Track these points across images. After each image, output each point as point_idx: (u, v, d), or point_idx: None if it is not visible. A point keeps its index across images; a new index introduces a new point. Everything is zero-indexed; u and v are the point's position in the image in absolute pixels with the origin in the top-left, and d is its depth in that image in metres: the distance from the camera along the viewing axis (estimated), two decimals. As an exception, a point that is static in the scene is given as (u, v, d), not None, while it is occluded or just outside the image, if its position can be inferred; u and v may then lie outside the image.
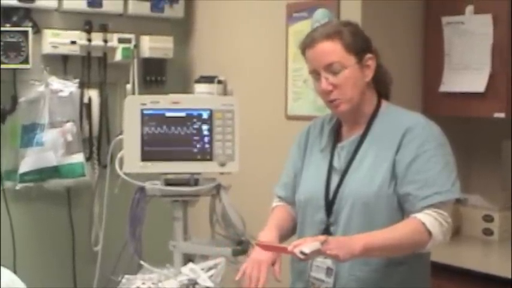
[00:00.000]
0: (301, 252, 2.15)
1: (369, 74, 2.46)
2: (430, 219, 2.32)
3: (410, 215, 2.36)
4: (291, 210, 2.65)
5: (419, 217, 2.33)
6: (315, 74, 2.45)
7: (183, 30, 4.68)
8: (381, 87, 2.54)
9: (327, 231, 2.43)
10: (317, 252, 2.18)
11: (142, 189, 2.84)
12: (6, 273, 2.47)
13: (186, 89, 4.41)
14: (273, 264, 2.39)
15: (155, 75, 4.55)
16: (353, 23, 2.51)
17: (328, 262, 2.42)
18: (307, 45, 2.47)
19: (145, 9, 4.45)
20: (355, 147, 2.48)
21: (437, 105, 3.76)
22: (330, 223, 2.45)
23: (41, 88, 4.10)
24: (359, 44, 2.44)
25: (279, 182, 2.70)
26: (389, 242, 2.29)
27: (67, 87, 4.15)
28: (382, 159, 2.41)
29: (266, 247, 2.30)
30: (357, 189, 2.41)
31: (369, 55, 2.46)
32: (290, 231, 2.62)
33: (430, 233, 2.31)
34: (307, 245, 2.16)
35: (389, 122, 2.47)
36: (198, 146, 2.80)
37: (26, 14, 4.15)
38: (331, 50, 2.41)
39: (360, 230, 2.34)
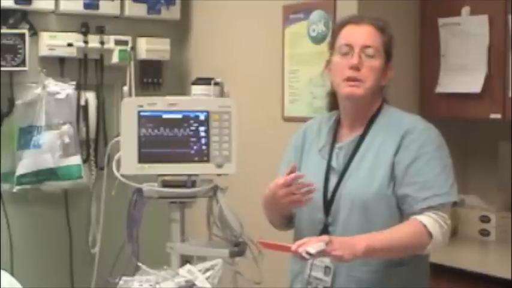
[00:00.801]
0: (307, 253, 2.15)
1: (385, 80, 2.50)
2: (430, 221, 2.33)
3: (409, 216, 2.37)
4: None
5: (420, 219, 2.34)
6: (348, 48, 2.44)
7: (179, 32, 4.68)
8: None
9: (325, 231, 2.44)
10: (322, 253, 2.19)
11: (139, 191, 2.84)
12: (4, 276, 2.47)
13: (182, 90, 4.41)
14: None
15: (152, 77, 4.55)
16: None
17: (326, 261, 2.42)
18: (351, 21, 2.50)
19: (142, 11, 4.46)
20: (354, 147, 2.48)
21: (433, 106, 3.77)
22: (329, 223, 2.46)
23: (38, 90, 4.10)
24: (390, 50, 2.50)
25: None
26: (391, 243, 2.30)
27: (64, 89, 4.16)
28: (381, 160, 2.42)
29: (269, 245, 2.29)
30: (355, 189, 2.42)
31: (391, 65, 2.50)
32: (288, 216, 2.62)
33: (430, 235, 2.33)
34: (312, 245, 2.17)
35: (389, 124, 2.48)
36: (195, 147, 2.80)
37: (22, 16, 4.16)
38: (375, 36, 2.46)
39: (358, 230, 2.35)
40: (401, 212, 2.40)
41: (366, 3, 3.62)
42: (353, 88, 2.44)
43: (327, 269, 2.44)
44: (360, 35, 2.45)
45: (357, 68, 2.42)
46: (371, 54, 2.43)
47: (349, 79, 2.43)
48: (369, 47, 2.43)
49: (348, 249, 2.20)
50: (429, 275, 2.57)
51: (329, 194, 2.47)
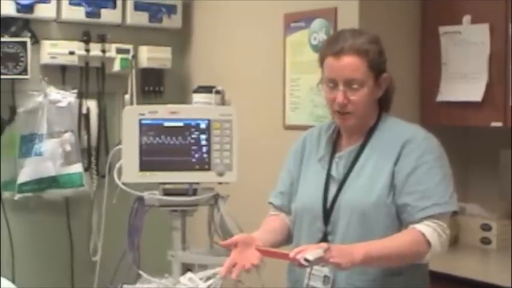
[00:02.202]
0: (305, 259, 2.14)
1: (380, 92, 2.49)
2: (429, 230, 2.33)
3: (408, 225, 2.37)
4: (286, 219, 2.65)
5: (419, 228, 2.34)
6: (332, 82, 2.43)
7: (181, 40, 4.69)
8: (384, 96, 2.54)
9: (324, 240, 2.43)
10: (320, 260, 2.17)
11: (140, 199, 2.85)
12: (5, 284, 2.47)
13: (184, 99, 4.42)
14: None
15: (153, 85, 4.55)
16: (379, 40, 2.50)
17: (325, 270, 2.42)
18: (332, 52, 2.43)
19: (143, 19, 4.46)
20: (354, 157, 2.48)
21: (434, 114, 3.77)
22: (328, 232, 2.46)
23: (40, 98, 4.11)
24: (381, 65, 2.46)
25: (274, 191, 2.70)
26: (390, 251, 2.29)
27: (65, 97, 4.16)
28: (381, 169, 2.42)
29: (266, 252, 2.28)
30: (355, 198, 2.42)
31: (385, 75, 2.48)
32: (281, 241, 2.60)
33: (429, 244, 2.33)
34: (310, 252, 2.15)
35: (389, 133, 2.48)
36: (196, 155, 2.81)
37: (24, 24, 4.17)
38: (357, 66, 2.40)
39: (357, 239, 2.35)
40: (400, 221, 2.40)
41: (367, 13, 3.62)
42: (343, 120, 2.46)
43: (325, 278, 2.43)
44: (342, 69, 2.40)
45: (343, 105, 2.42)
46: (356, 87, 2.41)
47: (338, 112, 2.45)
48: (352, 80, 2.40)
49: (346, 257, 2.19)
50: (429, 283, 2.56)
51: (328, 203, 2.47)
